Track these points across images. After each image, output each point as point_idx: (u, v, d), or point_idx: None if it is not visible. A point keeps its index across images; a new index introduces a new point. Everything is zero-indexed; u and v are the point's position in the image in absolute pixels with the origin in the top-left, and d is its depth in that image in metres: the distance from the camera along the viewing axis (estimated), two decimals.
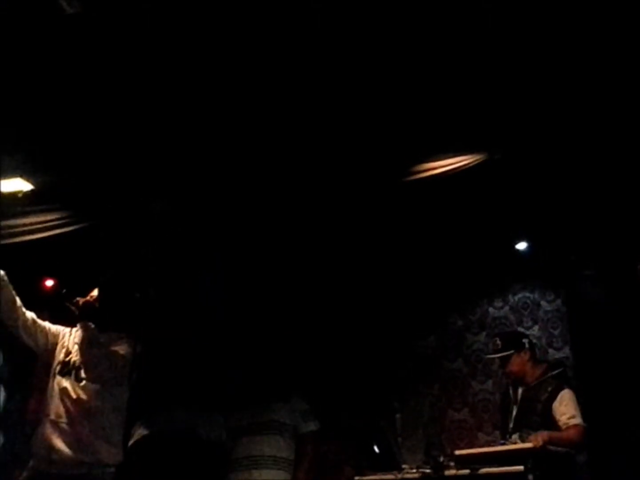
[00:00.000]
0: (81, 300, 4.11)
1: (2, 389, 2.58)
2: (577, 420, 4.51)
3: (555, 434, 4.42)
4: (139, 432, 3.03)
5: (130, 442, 3.05)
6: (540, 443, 4.22)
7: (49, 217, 5.35)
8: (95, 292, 4.16)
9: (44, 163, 5.11)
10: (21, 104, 4.11)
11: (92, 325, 4.04)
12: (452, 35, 3.99)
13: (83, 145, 4.87)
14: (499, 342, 4.94)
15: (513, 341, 4.93)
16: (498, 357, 4.93)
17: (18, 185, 5.16)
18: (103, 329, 4.02)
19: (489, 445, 5.13)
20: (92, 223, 5.39)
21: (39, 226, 5.28)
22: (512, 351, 4.80)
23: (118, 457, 3.31)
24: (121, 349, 3.94)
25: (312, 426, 4.86)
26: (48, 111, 4.45)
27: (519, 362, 4.80)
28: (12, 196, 5.07)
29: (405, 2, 3.77)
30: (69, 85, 4.22)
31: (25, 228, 5.19)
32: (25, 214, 5.23)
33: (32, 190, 5.26)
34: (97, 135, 4.77)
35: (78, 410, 3.77)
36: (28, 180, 5.19)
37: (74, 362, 3.92)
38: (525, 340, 4.97)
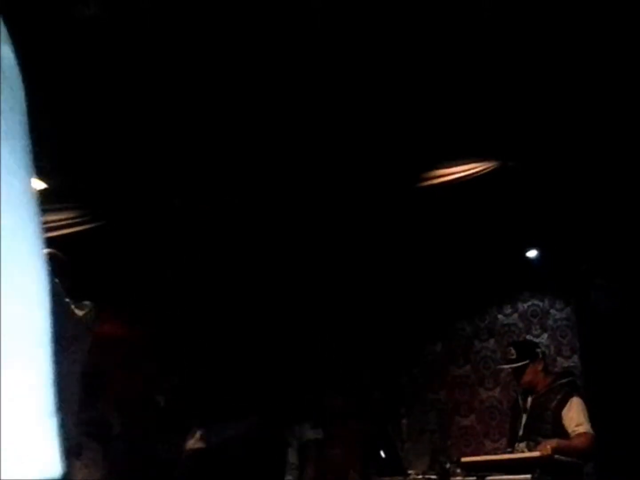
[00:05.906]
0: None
1: None
2: (585, 427, 4.46)
3: (563, 442, 4.38)
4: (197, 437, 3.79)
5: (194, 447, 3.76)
6: (549, 452, 4.19)
7: (62, 216, 5.38)
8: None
9: (58, 162, 5.13)
10: (35, 103, 4.13)
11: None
12: (468, 41, 3.99)
13: (96, 144, 4.90)
14: (513, 351, 4.85)
15: (528, 351, 4.84)
16: (513, 368, 4.86)
17: (32, 183, 5.17)
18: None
19: (496, 453, 5.11)
20: (105, 222, 5.42)
21: (52, 225, 5.31)
22: (527, 361, 4.73)
23: None
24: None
25: (317, 434, 4.88)
26: (62, 110, 4.48)
27: (532, 372, 4.72)
28: None
29: (421, 7, 3.77)
30: (83, 85, 4.25)
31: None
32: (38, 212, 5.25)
33: (45, 189, 5.29)
34: (110, 134, 4.80)
35: None
36: (42, 179, 5.21)
37: None
38: (539, 350, 4.91)
